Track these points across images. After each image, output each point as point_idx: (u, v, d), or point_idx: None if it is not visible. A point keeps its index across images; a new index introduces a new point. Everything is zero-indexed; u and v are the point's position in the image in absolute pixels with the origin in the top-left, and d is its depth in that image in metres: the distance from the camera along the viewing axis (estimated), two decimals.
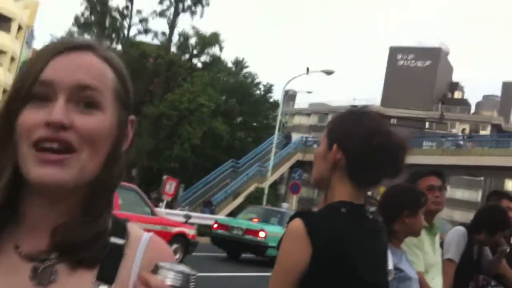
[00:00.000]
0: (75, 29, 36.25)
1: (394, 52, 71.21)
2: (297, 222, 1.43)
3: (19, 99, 0.77)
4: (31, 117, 0.76)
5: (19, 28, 40.72)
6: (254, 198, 27.46)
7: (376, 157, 1.47)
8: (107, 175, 0.82)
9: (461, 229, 3.39)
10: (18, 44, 40.68)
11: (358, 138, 1.49)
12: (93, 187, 0.81)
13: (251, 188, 29.37)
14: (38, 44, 46.03)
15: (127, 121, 0.85)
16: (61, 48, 0.80)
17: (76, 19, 36.12)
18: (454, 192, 58.89)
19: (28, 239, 0.80)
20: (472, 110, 69.04)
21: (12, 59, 38.77)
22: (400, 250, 2.47)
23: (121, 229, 0.86)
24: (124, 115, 0.84)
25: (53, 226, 0.79)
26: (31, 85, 0.77)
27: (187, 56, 38.27)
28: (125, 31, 37.95)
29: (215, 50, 37.70)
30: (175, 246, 11.93)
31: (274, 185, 31.45)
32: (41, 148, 0.76)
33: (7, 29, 38.81)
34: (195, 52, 38.21)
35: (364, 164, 1.48)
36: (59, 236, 0.79)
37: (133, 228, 0.89)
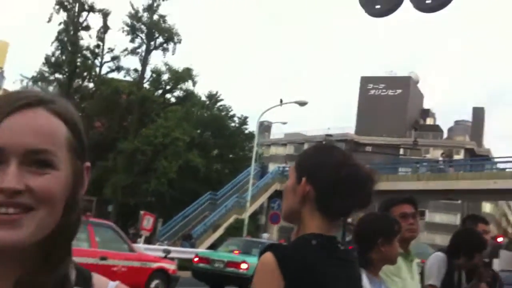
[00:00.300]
0: (46, 68, 36.06)
1: (365, 81, 72.57)
2: (268, 256, 1.43)
3: None
4: None
5: None
6: (234, 230, 27.25)
7: (344, 189, 1.48)
8: (65, 224, 0.82)
9: (440, 254, 3.43)
10: None
11: (327, 170, 1.51)
12: (52, 237, 0.81)
13: (231, 220, 29.20)
14: (8, 84, 45.48)
15: (83, 170, 0.85)
16: (11, 108, 0.78)
17: (47, 59, 35.95)
18: (433, 217, 59.33)
19: None
20: (445, 135, 70.31)
21: None
22: (379, 278, 2.46)
23: (85, 280, 0.86)
24: (79, 165, 0.84)
25: (14, 278, 0.78)
26: None
27: (160, 91, 38.31)
28: (97, 69, 37.89)
29: (188, 85, 37.92)
30: (155, 282, 11.68)
31: (253, 216, 31.28)
32: None
33: None
34: (168, 87, 38.32)
35: (333, 195, 1.49)
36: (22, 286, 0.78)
37: (98, 278, 0.89)
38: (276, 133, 70.38)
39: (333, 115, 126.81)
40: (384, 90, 70.90)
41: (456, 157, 60.19)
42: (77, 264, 0.88)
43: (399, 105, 68.35)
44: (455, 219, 52.36)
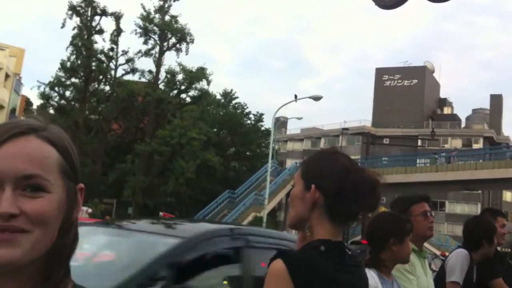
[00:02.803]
0: (62, 74, 36.46)
1: (380, 73, 71.93)
2: (278, 263, 1.45)
3: None
4: None
5: (7, 76, 40.72)
6: None
7: (354, 193, 1.51)
8: (62, 244, 0.85)
9: (463, 251, 3.43)
10: (6, 92, 40.67)
11: (335, 176, 1.54)
12: (50, 257, 0.84)
13: (250, 218, 29.24)
14: (26, 91, 46.12)
15: (76, 191, 0.89)
16: (3, 137, 0.82)
17: (63, 64, 36.33)
18: (453, 207, 58.70)
19: None
20: (463, 124, 69.45)
21: (1, 107, 38.73)
22: (391, 278, 2.45)
23: None
24: (71, 187, 0.87)
25: None
26: None
27: (175, 92, 38.51)
28: (112, 72, 38.20)
29: (202, 84, 38.07)
30: None
31: (272, 213, 31.34)
32: None
33: None
34: (182, 87, 38.49)
35: (342, 201, 1.52)
36: None
37: None
38: (292, 128, 70.24)
39: (349, 108, 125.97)
40: (399, 81, 70.23)
41: (475, 146, 59.55)
42: (77, 285, 0.91)
43: (415, 95, 67.64)
44: (476, 209, 51.71)
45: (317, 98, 28.91)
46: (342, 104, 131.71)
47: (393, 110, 65.93)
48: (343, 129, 48.55)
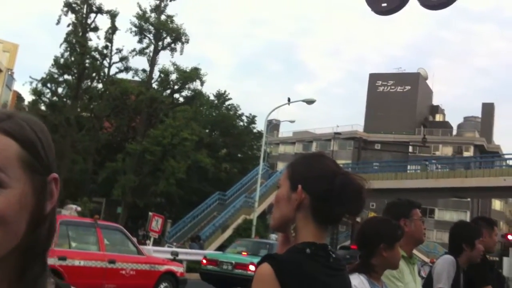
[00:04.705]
0: (55, 70, 36.24)
1: (373, 78, 72.21)
2: (265, 266, 1.45)
3: None
4: None
5: None
6: (243, 230, 27.26)
7: (339, 197, 1.52)
8: (34, 240, 0.81)
9: (449, 257, 3.45)
10: None
11: (322, 178, 1.55)
12: (22, 254, 0.80)
13: (239, 220, 29.20)
14: (18, 86, 45.83)
15: (46, 183, 0.84)
16: None
17: (56, 61, 36.07)
18: (443, 214, 58.96)
19: None
20: (454, 132, 69.82)
21: None
22: (381, 284, 2.44)
23: None
24: (39, 180, 0.82)
25: None
26: None
27: (168, 91, 38.39)
28: (106, 70, 38.02)
29: (196, 84, 37.99)
30: (164, 285, 11.74)
31: (263, 216, 31.31)
32: None
33: None
34: (176, 87, 38.38)
35: (328, 203, 1.52)
36: None
37: None
38: (285, 131, 70.35)
39: (343, 113, 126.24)
40: (393, 87, 70.53)
41: (465, 154, 59.86)
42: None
43: (408, 101, 67.96)
44: (465, 217, 51.95)
45: (310, 102, 28.99)
46: (337, 109, 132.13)
47: (385, 116, 66.19)
48: (335, 133, 48.69)
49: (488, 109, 70.61)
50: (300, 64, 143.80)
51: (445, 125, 70.60)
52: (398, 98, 68.27)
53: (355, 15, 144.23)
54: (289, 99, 29.60)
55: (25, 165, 0.81)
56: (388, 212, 2.91)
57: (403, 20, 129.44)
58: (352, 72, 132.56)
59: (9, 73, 44.34)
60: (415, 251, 3.11)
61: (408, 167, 41.25)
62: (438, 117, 74.23)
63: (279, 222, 1.60)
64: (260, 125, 39.75)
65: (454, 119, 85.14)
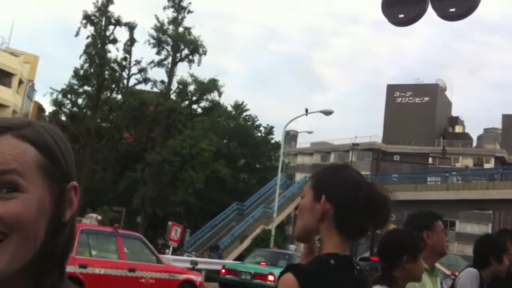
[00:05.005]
0: (75, 81, 36.78)
1: (391, 89, 71.88)
2: (289, 276, 1.43)
3: None
4: None
5: (20, 82, 41.23)
6: (261, 240, 27.22)
7: (364, 208, 1.49)
8: (52, 248, 0.81)
9: (473, 270, 3.41)
10: (19, 98, 41.17)
11: (346, 189, 1.52)
12: (40, 262, 0.80)
13: (258, 230, 29.17)
14: (39, 97, 46.55)
15: (65, 191, 0.83)
16: None
17: (76, 72, 36.66)
18: (464, 227, 58.15)
19: None
20: (474, 143, 69.04)
21: (14, 112, 39.10)
22: None
23: None
24: (57, 187, 0.82)
25: None
26: None
27: (186, 102, 38.73)
28: (125, 81, 38.50)
29: (214, 95, 38.29)
30: None
31: (281, 226, 31.23)
32: None
33: (8, 84, 39.28)
34: (194, 98, 38.71)
35: (352, 215, 1.50)
36: None
37: None
38: (303, 142, 70.18)
39: (360, 124, 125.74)
40: (411, 98, 70.10)
41: (486, 165, 59.08)
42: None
43: (427, 113, 67.44)
44: (487, 229, 51.17)
45: (328, 113, 28.90)
46: (353, 120, 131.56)
47: (404, 127, 65.75)
48: (353, 144, 48.42)
49: (508, 121, 69.71)
50: (315, 76, 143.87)
51: (465, 137, 69.87)
52: (417, 109, 67.81)
53: (370, 26, 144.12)
54: (306, 110, 29.58)
55: (43, 171, 0.81)
56: (410, 223, 2.86)
57: (420, 32, 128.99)
58: (369, 83, 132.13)
59: (30, 84, 45.12)
60: (436, 264, 3.05)
61: (428, 178, 40.82)
62: (458, 129, 73.51)
63: (302, 232, 1.58)
64: (277, 136, 39.74)
65: (474, 131, 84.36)
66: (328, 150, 64.96)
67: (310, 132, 37.29)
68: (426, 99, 69.15)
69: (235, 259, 23.54)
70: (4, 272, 0.75)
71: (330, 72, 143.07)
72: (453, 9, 7.02)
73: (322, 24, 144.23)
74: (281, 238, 28.68)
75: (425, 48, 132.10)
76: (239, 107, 40.91)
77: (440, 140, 64.57)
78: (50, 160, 0.82)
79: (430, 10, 7.18)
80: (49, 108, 41.21)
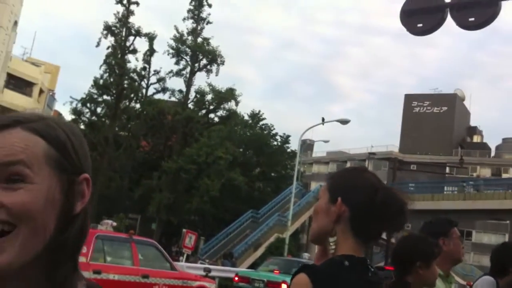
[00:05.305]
0: (94, 90, 37.37)
1: (409, 99, 71.47)
2: (302, 277, 1.43)
3: None
4: None
5: (41, 92, 41.98)
6: (275, 249, 27.19)
7: (380, 212, 1.49)
8: (64, 240, 0.81)
9: (490, 278, 3.37)
10: (40, 107, 41.84)
11: (363, 192, 1.51)
12: (52, 254, 0.80)
13: (272, 239, 29.16)
14: (59, 106, 47.27)
15: (74, 183, 0.84)
16: None
17: (96, 81, 37.23)
18: (480, 237, 57.41)
19: None
20: (492, 153, 68.24)
21: None
22: None
23: None
24: (67, 179, 0.83)
25: None
26: None
27: (203, 111, 39.09)
28: (143, 91, 39.02)
29: (231, 105, 38.64)
30: None
31: (295, 235, 31.26)
32: None
33: (29, 93, 40.03)
34: (211, 107, 39.07)
35: (369, 217, 1.50)
36: None
37: None
38: (319, 151, 70.11)
39: (377, 134, 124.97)
40: (429, 108, 69.64)
41: (504, 175, 58.34)
42: (90, 281, 0.88)
43: (445, 122, 66.90)
44: (504, 240, 50.46)
45: (344, 122, 28.89)
46: (370, 130, 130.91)
47: (421, 136, 65.29)
48: (370, 153, 48.31)
49: None
50: (332, 85, 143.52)
51: (483, 147, 69.07)
52: (435, 119, 67.30)
53: (387, 35, 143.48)
54: (323, 119, 29.59)
55: (53, 163, 0.81)
56: (426, 230, 2.85)
57: (438, 41, 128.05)
58: (386, 92, 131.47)
59: (51, 93, 45.89)
60: (451, 273, 3.10)
61: (445, 188, 40.53)
62: (476, 138, 72.71)
63: (317, 234, 1.57)
64: (294, 145, 39.79)
65: (493, 141, 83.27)
66: (344, 159, 64.77)
67: (326, 141, 37.37)
68: (444, 108, 68.63)
69: (249, 267, 23.59)
70: (14, 264, 0.76)
71: (347, 82, 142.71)
72: (472, 19, 7.00)
73: (340, 34, 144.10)
74: (295, 247, 28.67)
75: (444, 58, 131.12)
76: (255, 116, 41.13)
77: (457, 150, 64.01)
78: (60, 152, 0.83)
79: (449, 19, 7.19)
80: (68, 117, 41.87)
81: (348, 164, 63.28)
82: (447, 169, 53.18)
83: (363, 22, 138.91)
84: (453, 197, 36.68)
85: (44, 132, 0.82)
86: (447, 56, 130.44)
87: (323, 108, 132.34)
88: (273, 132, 40.47)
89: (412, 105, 70.49)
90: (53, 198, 0.80)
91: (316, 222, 1.57)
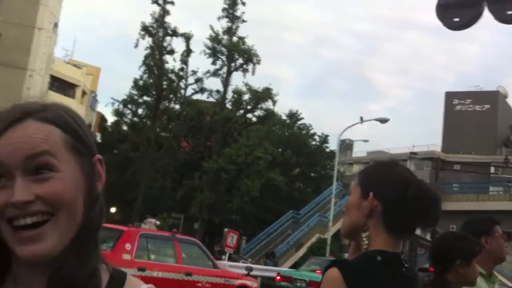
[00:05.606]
0: (134, 91, 37.96)
1: (450, 97, 70.00)
2: (334, 272, 1.41)
3: None
4: None
5: (83, 93, 42.97)
6: (317, 249, 27.08)
7: (413, 206, 1.47)
8: (89, 218, 0.85)
9: None
10: (83, 109, 42.80)
11: (394, 186, 1.50)
12: (78, 232, 0.84)
13: (313, 239, 29.09)
14: (101, 107, 48.22)
15: (92, 164, 0.88)
16: (2, 126, 0.82)
17: (135, 82, 37.83)
18: None
19: None
20: None
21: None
22: None
23: (118, 281, 0.89)
24: (85, 161, 0.87)
25: (48, 274, 0.81)
26: None
27: (241, 111, 39.19)
28: (182, 91, 39.39)
29: (268, 104, 38.59)
30: None
31: (337, 235, 30.95)
32: (16, 226, 0.80)
33: (72, 95, 41.00)
34: (249, 107, 39.13)
35: (401, 212, 1.48)
36: (56, 283, 0.81)
37: (132, 280, 0.92)
38: (358, 151, 69.40)
39: (417, 132, 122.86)
40: (470, 106, 68.04)
41: None
42: (113, 266, 0.91)
43: (488, 121, 65.19)
44: None
45: (383, 121, 28.49)
46: (410, 128, 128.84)
47: (464, 135, 63.83)
48: (411, 153, 47.43)
49: None
50: (369, 83, 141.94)
51: None
52: (477, 117, 65.72)
53: (425, 31, 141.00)
54: (361, 118, 29.23)
55: (71, 149, 0.85)
56: (468, 228, 2.78)
57: (477, 36, 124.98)
58: (424, 90, 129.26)
59: (93, 95, 46.89)
60: (497, 275, 2.94)
61: (490, 188, 39.49)
62: None
63: (348, 229, 1.56)
64: (332, 145, 39.44)
65: None
66: (385, 159, 63.90)
67: (365, 141, 36.97)
68: (487, 106, 66.95)
69: (291, 267, 23.55)
70: (55, 250, 0.81)
71: (386, 79, 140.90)
72: (511, 12, 6.77)
73: (376, 30, 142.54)
74: (337, 247, 28.40)
75: (485, 54, 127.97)
76: (293, 116, 40.98)
77: (502, 149, 62.27)
78: (75, 138, 0.86)
79: (487, 13, 6.95)
80: (110, 118, 42.71)
81: None
82: (492, 169, 51.76)
83: (399, 16, 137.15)
84: (498, 198, 35.79)
85: (57, 120, 0.85)
86: (488, 52, 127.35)
87: (361, 106, 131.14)
88: (312, 131, 40.25)
89: (453, 103, 69.02)
90: (79, 182, 0.84)
91: (348, 217, 1.57)
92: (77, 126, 0.88)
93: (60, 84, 39.61)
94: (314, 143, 39.85)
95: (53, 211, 0.81)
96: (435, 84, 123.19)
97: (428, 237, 31.15)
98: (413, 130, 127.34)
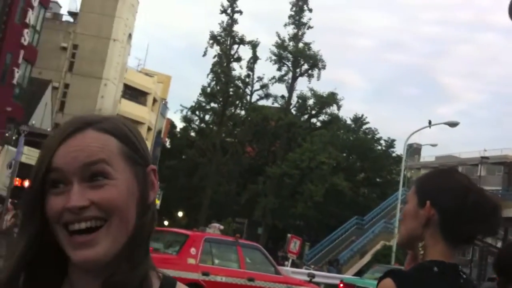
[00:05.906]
0: (202, 98, 38.99)
1: None
2: (388, 282, 1.38)
3: (37, 182, 0.87)
4: (54, 203, 0.84)
5: (154, 101, 44.50)
6: (382, 256, 26.55)
7: (472, 214, 1.43)
8: (141, 225, 0.88)
9: None
10: (154, 116, 44.32)
11: (453, 194, 1.46)
12: (130, 238, 0.87)
13: (378, 246, 28.54)
14: (171, 114, 49.72)
15: (146, 174, 0.91)
16: (63, 136, 0.87)
17: (203, 90, 38.86)
18: None
19: None
20: None
21: (149, 129, 42.22)
22: None
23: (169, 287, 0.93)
24: (139, 170, 0.90)
25: (101, 279, 0.85)
26: (45, 173, 0.86)
27: (306, 116, 39.31)
28: (248, 98, 40.04)
29: (333, 109, 38.50)
30: None
31: None
32: (71, 231, 0.84)
33: (144, 103, 42.60)
34: (313, 112, 39.17)
35: (459, 221, 1.44)
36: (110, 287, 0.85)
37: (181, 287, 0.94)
38: (426, 156, 67.32)
39: (489, 136, 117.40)
40: None
41: None
42: (162, 272, 0.94)
43: None
44: None
45: (453, 124, 27.64)
46: (481, 132, 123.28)
47: None
48: (482, 157, 45.69)
49: None
50: (437, 86, 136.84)
51: None
52: None
53: (495, 32, 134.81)
54: (430, 122, 28.51)
55: (126, 158, 0.88)
56: None
57: None
58: (497, 92, 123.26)
59: (163, 102, 48.48)
60: None
61: None
62: None
63: (405, 239, 1.53)
64: (399, 149, 38.71)
65: None
66: (455, 164, 61.61)
67: (434, 145, 35.82)
68: None
69: (354, 275, 23.32)
70: (108, 255, 0.84)
71: (455, 82, 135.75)
72: None
73: (445, 32, 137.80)
74: (403, 255, 27.78)
75: None
76: (358, 120, 40.59)
77: None
78: (130, 147, 0.89)
79: None
80: (180, 124, 44.03)
81: (459, 169, 60.10)
82: None
83: (469, 18, 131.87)
84: None
85: (114, 130, 0.89)
86: None
87: (430, 110, 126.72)
88: (377, 136, 39.70)
89: None
90: (133, 190, 0.87)
91: (404, 226, 1.53)
92: (133, 137, 0.91)
93: (133, 92, 41.27)
94: (379, 147, 39.28)
95: (107, 217, 0.84)
96: (508, 86, 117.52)
97: (499, 245, 29.94)
98: (485, 134, 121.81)
